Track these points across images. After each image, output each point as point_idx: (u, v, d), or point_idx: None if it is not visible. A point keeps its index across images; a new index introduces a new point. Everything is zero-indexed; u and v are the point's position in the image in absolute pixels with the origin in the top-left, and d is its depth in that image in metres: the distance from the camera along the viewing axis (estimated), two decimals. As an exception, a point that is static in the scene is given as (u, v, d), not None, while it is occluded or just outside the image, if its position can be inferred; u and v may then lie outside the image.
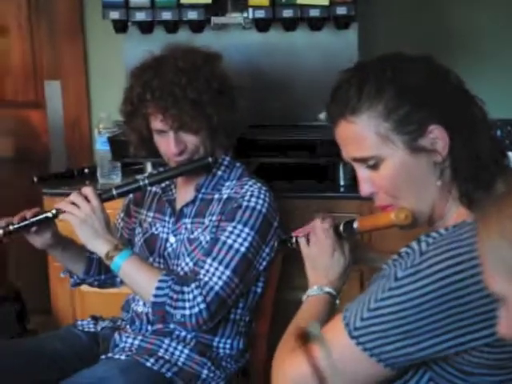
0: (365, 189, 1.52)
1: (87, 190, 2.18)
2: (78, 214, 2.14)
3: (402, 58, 1.51)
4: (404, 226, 1.50)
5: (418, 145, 1.45)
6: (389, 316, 1.35)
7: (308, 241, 1.72)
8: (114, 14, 2.73)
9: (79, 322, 2.41)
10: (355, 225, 1.64)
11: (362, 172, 1.51)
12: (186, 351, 2.22)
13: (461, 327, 1.33)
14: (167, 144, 2.24)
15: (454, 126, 1.45)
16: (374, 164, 1.48)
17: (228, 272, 2.15)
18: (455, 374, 1.40)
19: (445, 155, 1.46)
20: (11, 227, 2.18)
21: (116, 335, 2.31)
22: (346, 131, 1.49)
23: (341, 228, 1.68)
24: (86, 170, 3.06)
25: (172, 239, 2.32)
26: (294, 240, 1.79)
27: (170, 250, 2.32)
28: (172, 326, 2.23)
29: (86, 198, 2.16)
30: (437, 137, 1.45)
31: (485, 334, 1.33)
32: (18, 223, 2.18)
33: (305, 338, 0.93)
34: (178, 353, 2.22)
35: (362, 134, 1.47)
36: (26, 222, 2.19)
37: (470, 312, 1.32)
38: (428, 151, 1.45)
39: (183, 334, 2.24)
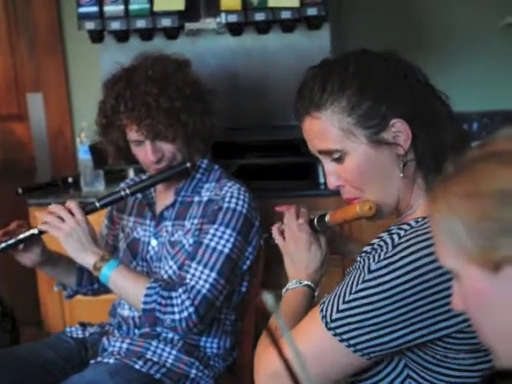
0: (331, 182, 1.55)
1: (71, 204, 2.21)
2: (64, 228, 2.17)
3: (365, 55, 1.55)
4: (370, 218, 1.53)
5: (380, 138, 1.48)
6: (364, 307, 1.39)
7: (284, 236, 1.74)
8: (90, 25, 2.76)
9: (68, 329, 2.45)
10: (327, 218, 1.67)
11: (328, 165, 1.54)
12: (174, 352, 2.26)
13: (433, 316, 1.36)
14: (144, 153, 2.28)
15: (416, 119, 1.48)
16: (339, 157, 1.51)
17: (214, 274, 2.19)
18: (430, 361, 1.44)
19: (407, 148, 1.49)
20: None
21: (104, 340, 2.34)
22: (312, 126, 1.53)
23: (315, 222, 1.70)
24: (70, 180, 3.09)
25: (154, 242, 2.35)
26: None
27: (152, 253, 2.35)
28: (159, 328, 2.26)
29: (70, 212, 2.20)
30: (399, 130, 1.48)
31: (456, 320, 1.37)
32: (6, 241, 2.21)
33: (271, 329, 0.95)
34: (166, 354, 2.25)
35: (325, 129, 1.50)
36: (14, 240, 2.22)
37: (441, 301, 1.36)
38: (390, 144, 1.49)
39: (170, 335, 2.27)
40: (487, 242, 0.94)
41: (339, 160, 1.52)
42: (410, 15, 3.26)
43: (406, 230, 1.45)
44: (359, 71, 1.50)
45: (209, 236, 2.22)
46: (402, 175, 1.50)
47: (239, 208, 2.25)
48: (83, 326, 2.45)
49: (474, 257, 0.95)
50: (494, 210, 0.94)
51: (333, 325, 1.42)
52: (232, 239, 2.22)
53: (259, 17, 2.67)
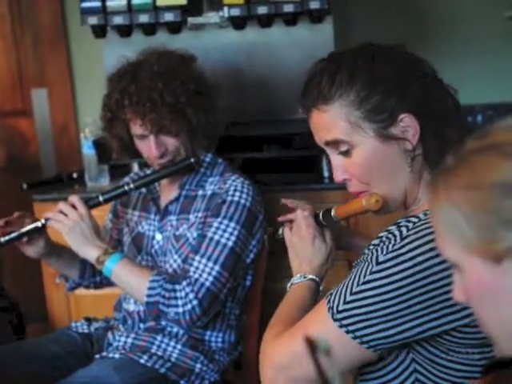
0: (338, 175, 1.54)
1: (74, 199, 2.22)
2: (67, 222, 2.18)
3: (374, 48, 1.53)
4: (376, 211, 1.52)
5: (388, 133, 1.47)
6: (371, 299, 1.39)
7: (291, 230, 1.73)
8: (93, 20, 2.76)
9: (73, 324, 2.45)
10: (333, 212, 1.66)
11: (335, 159, 1.53)
12: (179, 347, 2.26)
13: (441, 309, 1.36)
14: (148, 147, 2.28)
15: (425, 114, 1.47)
16: (346, 151, 1.50)
17: (217, 267, 2.19)
18: (437, 354, 1.44)
19: (415, 143, 1.47)
20: (2, 239, 2.22)
21: (109, 335, 2.35)
22: (319, 119, 1.51)
23: (320, 216, 1.69)
24: (75, 175, 3.09)
25: (158, 236, 2.36)
26: (280, 231, 1.81)
27: (156, 247, 2.36)
28: (164, 322, 2.27)
29: (74, 206, 2.20)
30: (407, 125, 1.47)
31: (464, 314, 1.36)
32: (9, 234, 2.22)
33: (313, 347, 0.95)
34: (170, 349, 2.26)
35: (333, 122, 1.49)
36: (17, 233, 2.22)
37: (449, 294, 1.32)
38: (398, 139, 1.47)
39: (175, 330, 2.27)
40: (488, 233, 0.94)
41: (346, 153, 1.51)
42: (415, 8, 3.26)
43: (414, 223, 1.45)
44: (368, 64, 1.48)
45: (212, 229, 2.22)
46: (409, 170, 1.49)
47: (243, 201, 2.25)
48: (89, 320, 2.46)
49: (475, 248, 0.95)
50: (494, 203, 0.94)
51: (339, 316, 1.41)
52: (236, 232, 2.22)
53: (262, 10, 2.68)
